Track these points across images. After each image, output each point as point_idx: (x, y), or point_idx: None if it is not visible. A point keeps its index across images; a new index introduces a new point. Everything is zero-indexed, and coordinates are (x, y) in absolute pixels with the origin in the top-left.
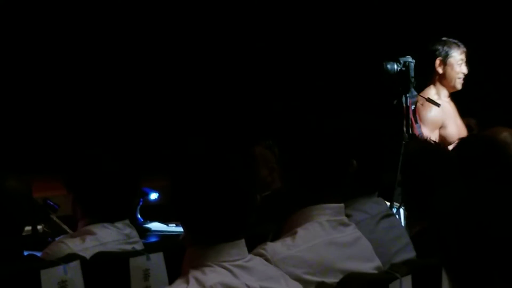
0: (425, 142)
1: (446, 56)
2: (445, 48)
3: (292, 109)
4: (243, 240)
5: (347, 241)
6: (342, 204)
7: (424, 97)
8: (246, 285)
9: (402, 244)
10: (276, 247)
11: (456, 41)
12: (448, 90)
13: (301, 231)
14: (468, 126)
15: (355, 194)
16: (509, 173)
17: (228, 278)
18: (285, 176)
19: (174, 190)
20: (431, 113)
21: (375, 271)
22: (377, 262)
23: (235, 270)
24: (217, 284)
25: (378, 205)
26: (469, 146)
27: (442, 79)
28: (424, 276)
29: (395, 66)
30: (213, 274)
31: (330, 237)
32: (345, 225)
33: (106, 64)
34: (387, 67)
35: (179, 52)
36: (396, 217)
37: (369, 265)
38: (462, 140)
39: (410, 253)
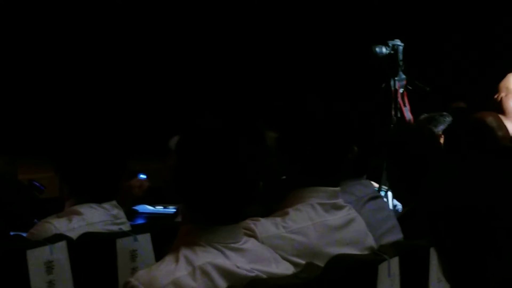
0: (413, 125)
1: None
2: None
3: (290, 93)
4: (239, 225)
5: (339, 224)
6: (338, 188)
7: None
8: (237, 266)
9: (389, 226)
10: (265, 225)
11: None
12: None
13: (292, 212)
14: None
15: (344, 177)
16: (497, 155)
17: (218, 258)
18: (283, 158)
19: (178, 164)
20: None
21: (367, 252)
22: (369, 242)
23: (227, 251)
24: (206, 264)
25: (366, 187)
26: (458, 130)
27: None
28: (411, 258)
29: (384, 50)
30: (203, 254)
31: (321, 219)
32: (338, 208)
33: (95, 44)
34: (375, 50)
35: (174, 35)
36: (383, 199)
37: (360, 247)
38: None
39: (397, 235)
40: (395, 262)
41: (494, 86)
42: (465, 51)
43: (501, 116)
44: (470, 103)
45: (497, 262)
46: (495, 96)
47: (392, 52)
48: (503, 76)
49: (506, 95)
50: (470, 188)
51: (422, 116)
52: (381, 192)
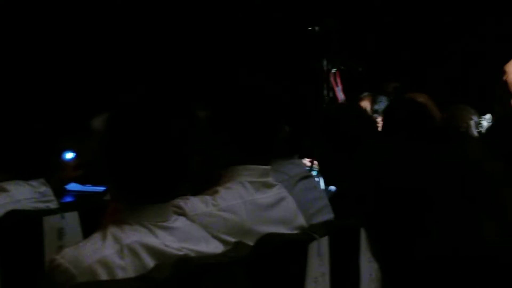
0: (346, 104)
1: None
2: None
3: (221, 72)
4: (169, 203)
5: (269, 202)
6: (268, 167)
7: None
8: (165, 245)
9: (320, 205)
10: (195, 203)
11: None
12: None
13: (222, 190)
14: None
15: (275, 156)
16: (428, 137)
17: (147, 237)
18: (214, 137)
19: (106, 141)
20: None
21: (298, 231)
22: (299, 222)
23: (156, 230)
24: (134, 243)
25: (297, 167)
26: (392, 109)
27: None
28: (341, 237)
29: (316, 29)
30: (131, 232)
31: (251, 198)
32: (269, 186)
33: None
34: (308, 30)
35: (97, 10)
36: (315, 179)
37: (290, 226)
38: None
39: (328, 215)
40: (325, 241)
41: (426, 65)
42: (397, 31)
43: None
44: (403, 83)
45: (423, 240)
46: (503, 78)
47: (324, 32)
48: (436, 54)
49: None
50: (400, 169)
51: (364, 95)
52: (313, 172)
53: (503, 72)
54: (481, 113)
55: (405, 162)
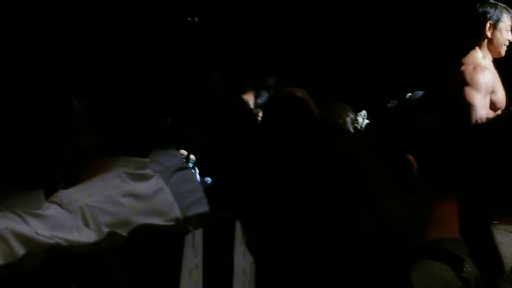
0: (227, 96)
1: (497, 21)
2: (497, 12)
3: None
4: (41, 191)
5: (146, 193)
6: (147, 159)
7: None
8: (36, 233)
9: (196, 197)
10: (70, 195)
11: (505, 6)
12: (492, 55)
13: (98, 180)
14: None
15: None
16: (306, 128)
17: (17, 224)
18: (92, 125)
19: None
20: (485, 78)
21: (173, 223)
22: (175, 213)
23: (27, 217)
24: (3, 229)
25: (174, 157)
26: (270, 103)
27: (489, 43)
28: (216, 230)
29: (196, 20)
30: (1, 219)
31: (128, 188)
32: (146, 178)
33: None
34: (188, 20)
35: None
36: (191, 170)
37: (166, 218)
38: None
39: (203, 207)
40: (199, 233)
41: (306, 61)
42: (278, 25)
43: (468, 88)
44: (282, 78)
45: (298, 233)
46: (461, 69)
47: (203, 21)
48: (317, 50)
49: (474, 69)
50: (276, 161)
51: (247, 88)
52: (189, 164)
53: (460, 64)
54: (357, 110)
55: (281, 154)
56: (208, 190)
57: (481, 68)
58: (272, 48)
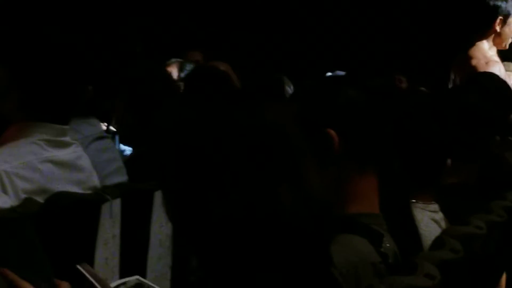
0: (150, 66)
1: (507, 15)
2: (507, 6)
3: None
4: None
5: (65, 160)
6: (67, 126)
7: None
8: None
9: (115, 167)
10: None
11: None
12: (497, 48)
13: (14, 147)
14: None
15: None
16: (229, 98)
17: None
18: (10, 90)
19: None
20: (496, 73)
21: (91, 191)
22: (94, 182)
23: None
24: None
25: (92, 126)
26: (193, 75)
27: (496, 37)
28: (134, 200)
29: None
30: None
31: (47, 155)
32: (65, 145)
33: None
34: None
35: None
36: (110, 140)
37: (84, 186)
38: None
39: (122, 177)
40: (117, 203)
41: (235, 34)
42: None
43: None
44: (210, 52)
45: (220, 200)
46: (472, 63)
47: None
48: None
49: (487, 63)
50: (199, 130)
51: (171, 61)
52: (110, 134)
53: (469, 57)
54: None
55: (204, 123)
56: (128, 161)
57: (493, 62)
58: (198, 20)
